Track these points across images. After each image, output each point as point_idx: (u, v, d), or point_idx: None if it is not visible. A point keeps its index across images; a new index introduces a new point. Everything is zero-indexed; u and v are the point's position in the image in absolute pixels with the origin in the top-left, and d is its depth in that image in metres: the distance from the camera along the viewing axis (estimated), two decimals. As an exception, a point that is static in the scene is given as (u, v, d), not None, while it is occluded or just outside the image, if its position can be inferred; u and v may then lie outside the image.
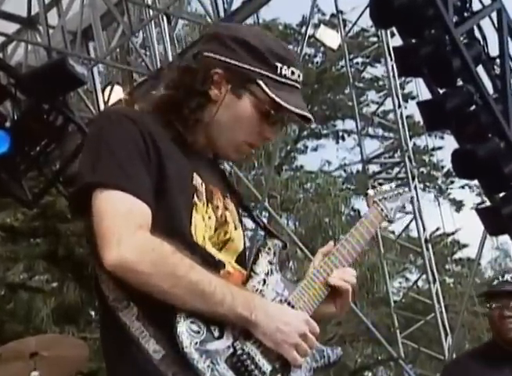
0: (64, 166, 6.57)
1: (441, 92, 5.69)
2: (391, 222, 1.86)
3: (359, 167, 14.62)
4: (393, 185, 1.91)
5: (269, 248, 1.68)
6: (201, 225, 1.59)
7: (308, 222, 15.79)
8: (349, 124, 17.46)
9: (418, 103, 5.98)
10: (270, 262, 1.65)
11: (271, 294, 1.61)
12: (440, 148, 16.62)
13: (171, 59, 7.26)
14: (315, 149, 18.41)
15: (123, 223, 1.45)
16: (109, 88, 7.70)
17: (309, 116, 1.67)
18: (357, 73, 12.59)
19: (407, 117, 11.72)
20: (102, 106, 7.59)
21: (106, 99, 7.63)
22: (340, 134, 18.39)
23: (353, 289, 1.71)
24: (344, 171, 18.28)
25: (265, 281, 1.61)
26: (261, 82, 1.64)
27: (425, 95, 6.53)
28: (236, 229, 1.72)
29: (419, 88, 12.03)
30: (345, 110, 17.24)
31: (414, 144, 16.31)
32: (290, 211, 16.42)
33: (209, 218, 1.63)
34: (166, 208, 1.53)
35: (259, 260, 1.64)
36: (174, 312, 1.44)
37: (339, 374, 13.21)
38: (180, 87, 1.67)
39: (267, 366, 1.51)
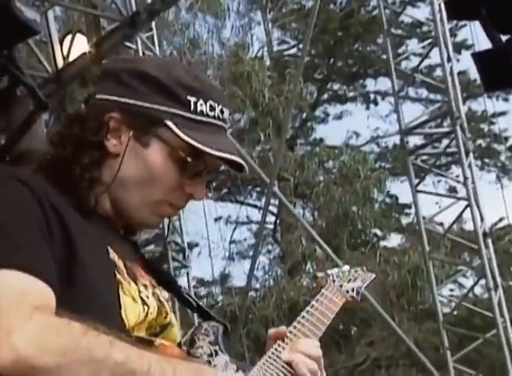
0: (11, 141, 6.60)
1: (504, 39, 5.68)
2: (354, 300, 1.94)
3: (396, 139, 14.63)
4: (346, 267, 2.02)
5: (206, 330, 1.71)
6: (133, 309, 1.62)
7: (331, 212, 15.83)
8: (383, 83, 17.45)
9: (473, 55, 5.95)
10: (211, 343, 1.69)
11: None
12: (503, 113, 16.65)
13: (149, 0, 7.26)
14: (338, 117, 18.45)
15: (13, 307, 1.44)
16: (69, 38, 7.72)
17: (239, 161, 1.71)
18: (393, 16, 12.51)
19: (459, 73, 11.72)
20: (60, 62, 7.60)
21: (65, 53, 7.66)
22: (372, 97, 18.40)
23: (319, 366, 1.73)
24: (377, 145, 18.33)
25: (210, 363, 1.64)
26: (169, 123, 1.67)
27: (483, 44, 6.55)
28: (170, 311, 1.75)
29: (475, 34, 12.14)
30: (378, 66, 17.23)
31: (469, 109, 16.37)
32: (306, 198, 16.46)
33: (147, 298, 1.66)
34: (81, 292, 1.55)
35: (197, 344, 1.68)
36: None
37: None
38: (67, 141, 1.70)
39: None
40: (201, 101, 1.69)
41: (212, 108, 1.70)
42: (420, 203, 10.48)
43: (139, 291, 1.66)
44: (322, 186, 15.96)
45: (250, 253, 15.81)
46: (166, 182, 1.70)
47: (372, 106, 18.31)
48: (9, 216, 1.54)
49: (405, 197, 16.51)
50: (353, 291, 1.93)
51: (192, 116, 1.68)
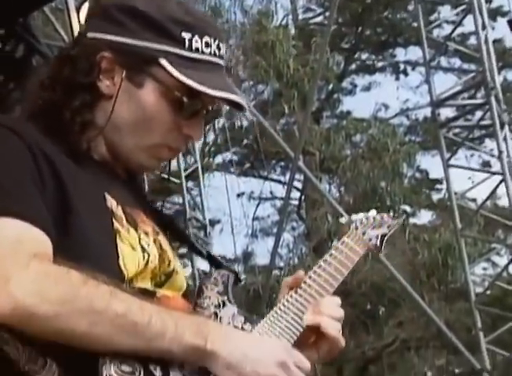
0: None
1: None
2: (377, 249, 1.91)
3: (427, 112, 14.56)
4: (373, 212, 1.97)
5: (215, 279, 1.71)
6: (132, 257, 1.61)
7: (358, 188, 15.82)
8: (414, 52, 17.34)
9: (510, 22, 5.92)
10: (220, 293, 1.69)
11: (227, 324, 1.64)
12: (540, 84, 16.51)
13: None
14: (366, 88, 18.38)
15: (9, 255, 1.45)
16: (86, 5, 7.71)
17: (238, 100, 1.69)
18: (424, -19, 12.40)
19: (494, 41, 11.58)
20: (76, 31, 7.62)
21: (82, 21, 7.66)
22: (402, 67, 18.30)
23: (342, 326, 1.72)
24: (407, 117, 18.24)
25: (216, 315, 1.64)
26: (163, 61, 1.65)
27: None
28: (175, 258, 1.75)
29: (511, 0, 12.03)
30: (408, 34, 17.11)
31: (504, 79, 16.25)
32: (332, 173, 16.45)
33: (147, 245, 1.65)
34: (76, 242, 1.55)
35: (204, 293, 1.68)
36: (96, 355, 1.45)
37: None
38: (58, 84, 1.68)
39: None
40: (196, 37, 1.66)
41: (208, 44, 1.68)
42: (452, 178, 10.47)
43: (139, 239, 1.65)
44: (349, 161, 15.93)
45: (274, 230, 15.88)
46: (161, 124, 1.68)
47: (402, 76, 18.23)
48: (3, 167, 1.54)
49: (436, 171, 16.47)
50: (377, 238, 1.91)
51: (187, 54, 1.66)
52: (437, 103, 10.54)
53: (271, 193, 17.95)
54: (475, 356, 10.28)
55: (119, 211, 1.65)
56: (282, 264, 16.49)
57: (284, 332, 1.67)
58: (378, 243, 1.90)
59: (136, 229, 1.66)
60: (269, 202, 18.08)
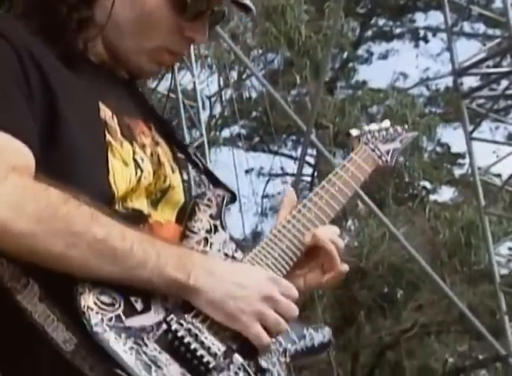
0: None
1: None
2: (387, 165, 1.90)
3: (449, 81, 14.46)
4: (386, 123, 1.98)
5: (209, 200, 1.71)
6: (123, 173, 1.61)
7: (375, 163, 15.75)
8: (434, 17, 17.22)
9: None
10: (212, 217, 1.69)
11: (216, 256, 1.65)
12: None
13: None
14: (383, 56, 18.30)
15: None
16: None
17: (244, 1, 1.70)
18: None
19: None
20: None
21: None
22: (422, 33, 18.19)
23: (341, 259, 1.72)
24: (427, 87, 18.15)
25: (206, 240, 1.65)
26: None
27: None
28: (173, 172, 1.76)
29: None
30: (428, -2, 17.03)
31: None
32: (347, 147, 16.38)
33: (142, 161, 1.65)
34: (64, 155, 1.54)
35: (196, 215, 1.68)
36: (74, 281, 1.46)
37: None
38: None
39: (218, 346, 1.51)
40: None
41: None
42: (475, 152, 10.41)
43: (133, 153, 1.65)
44: (365, 134, 15.87)
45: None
46: (163, 25, 1.69)
47: (421, 43, 18.14)
48: None
49: (458, 145, 16.45)
50: (388, 153, 1.90)
51: None
52: (459, 72, 10.48)
53: (281, 168, 17.93)
54: (499, 341, 10.29)
55: (113, 122, 1.64)
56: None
57: (277, 262, 1.68)
58: (389, 158, 1.89)
59: (132, 143, 1.66)
60: (280, 178, 18.07)
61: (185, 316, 1.50)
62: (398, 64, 18.57)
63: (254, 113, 17.18)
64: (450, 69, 11.02)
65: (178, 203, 1.75)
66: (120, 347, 1.42)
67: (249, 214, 16.95)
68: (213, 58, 14.81)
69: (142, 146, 1.68)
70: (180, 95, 10.88)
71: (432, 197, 16.86)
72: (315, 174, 17.42)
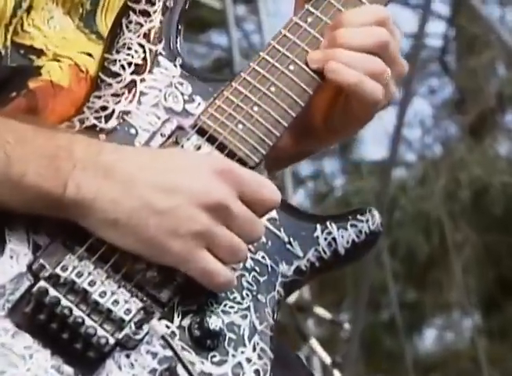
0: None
1: None
2: None
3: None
4: None
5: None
6: None
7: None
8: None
9: None
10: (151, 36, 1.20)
11: (147, 116, 1.16)
12: None
13: None
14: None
15: None
16: None
17: None
18: None
19: None
20: None
21: None
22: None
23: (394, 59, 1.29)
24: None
25: (132, 85, 1.15)
26: None
27: None
28: None
29: None
30: None
31: None
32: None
33: None
34: None
35: (125, 35, 1.20)
36: None
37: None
38: None
39: (127, 306, 1.05)
40: None
41: None
42: None
43: None
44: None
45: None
46: None
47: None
48: None
49: None
50: None
51: None
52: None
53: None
54: None
55: None
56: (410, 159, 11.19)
57: (269, 106, 1.23)
58: None
59: None
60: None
61: (68, 256, 1.05)
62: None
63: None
64: None
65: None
66: None
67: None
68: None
69: None
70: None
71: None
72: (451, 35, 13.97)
